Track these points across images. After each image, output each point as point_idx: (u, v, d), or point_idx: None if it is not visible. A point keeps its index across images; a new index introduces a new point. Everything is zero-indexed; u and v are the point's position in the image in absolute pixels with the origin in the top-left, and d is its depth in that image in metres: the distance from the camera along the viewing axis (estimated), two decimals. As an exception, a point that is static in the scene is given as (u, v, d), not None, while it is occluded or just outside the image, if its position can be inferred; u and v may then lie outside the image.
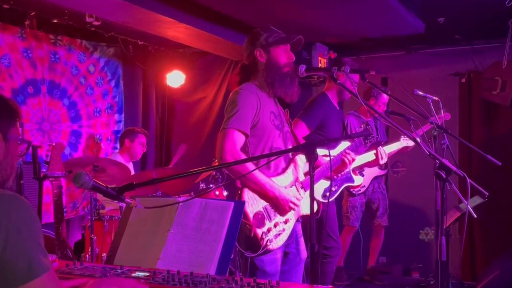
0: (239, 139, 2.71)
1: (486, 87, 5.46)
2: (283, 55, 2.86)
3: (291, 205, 2.77)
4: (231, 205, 2.26)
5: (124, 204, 2.07)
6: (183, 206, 2.29)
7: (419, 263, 5.79)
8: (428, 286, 5.15)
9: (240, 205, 2.29)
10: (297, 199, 2.80)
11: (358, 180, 3.95)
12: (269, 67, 2.84)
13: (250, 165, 2.69)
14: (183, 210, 2.29)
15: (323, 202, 3.10)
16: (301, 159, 2.95)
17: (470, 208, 2.58)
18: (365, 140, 3.24)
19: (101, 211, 4.43)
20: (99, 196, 4.60)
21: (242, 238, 2.67)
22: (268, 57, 2.85)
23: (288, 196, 2.76)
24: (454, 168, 2.19)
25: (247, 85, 2.84)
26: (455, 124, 5.70)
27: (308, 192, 2.91)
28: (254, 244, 2.67)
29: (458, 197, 3.50)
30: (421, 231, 5.55)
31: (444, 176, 2.19)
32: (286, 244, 2.86)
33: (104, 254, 4.10)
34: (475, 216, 2.95)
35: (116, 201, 4.25)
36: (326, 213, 3.52)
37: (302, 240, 2.97)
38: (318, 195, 3.00)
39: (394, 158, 5.86)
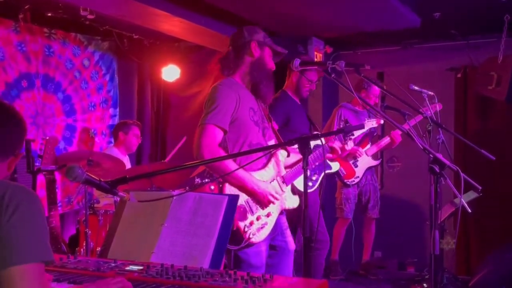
0: (218, 134, 2.71)
1: (481, 82, 5.46)
2: (270, 60, 2.94)
3: (270, 198, 2.77)
4: (225, 199, 2.27)
5: (118, 198, 2.08)
6: (177, 200, 2.29)
7: (414, 258, 5.81)
8: (423, 280, 5.16)
9: (234, 199, 2.29)
10: (277, 193, 2.81)
11: (335, 166, 3.98)
12: (258, 64, 2.89)
13: (230, 162, 2.69)
14: (177, 204, 2.29)
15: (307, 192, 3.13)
16: (281, 154, 2.95)
17: (464, 202, 2.59)
18: (345, 137, 3.27)
19: (96, 205, 4.43)
20: (94, 191, 4.60)
21: None
22: (261, 53, 2.90)
23: (267, 190, 2.76)
24: (447, 162, 2.20)
25: (227, 80, 2.85)
26: (450, 119, 5.72)
27: (289, 186, 2.94)
28: (237, 237, 2.67)
29: (453, 192, 3.50)
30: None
31: (437, 170, 2.20)
32: (272, 237, 2.87)
33: (98, 248, 4.10)
34: (469, 210, 2.96)
35: (111, 195, 4.25)
36: (309, 203, 3.56)
37: (288, 232, 2.98)
38: (300, 185, 3.02)
39: (388, 152, 5.89)
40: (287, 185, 2.93)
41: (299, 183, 3.01)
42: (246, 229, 2.68)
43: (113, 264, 2.06)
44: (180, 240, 2.20)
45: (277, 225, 2.88)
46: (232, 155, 2.65)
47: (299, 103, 4.42)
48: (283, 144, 2.76)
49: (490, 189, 4.82)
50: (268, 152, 2.84)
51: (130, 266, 2.01)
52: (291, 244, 2.98)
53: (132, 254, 2.20)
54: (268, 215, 2.80)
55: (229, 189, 2.73)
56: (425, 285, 5.03)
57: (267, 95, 2.92)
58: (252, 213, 2.74)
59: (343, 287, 5.36)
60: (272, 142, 2.96)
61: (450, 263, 5.48)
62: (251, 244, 2.71)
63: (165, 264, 1.95)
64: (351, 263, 5.65)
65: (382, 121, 4.65)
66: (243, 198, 2.73)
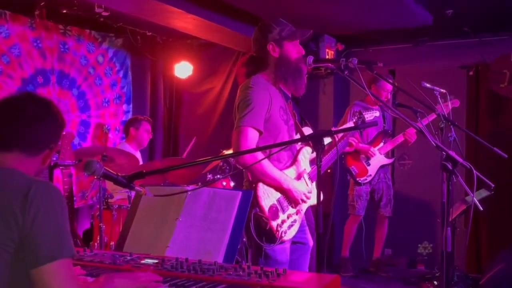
0: (255, 136, 2.70)
1: (493, 80, 5.44)
2: (294, 49, 2.86)
3: (303, 197, 2.81)
4: (238, 194, 2.30)
5: (133, 194, 2.12)
6: (192, 195, 2.32)
7: (424, 256, 5.81)
8: (433, 278, 5.15)
9: (247, 195, 2.32)
10: (309, 192, 2.85)
11: None
12: (281, 62, 2.83)
13: (260, 156, 2.68)
14: (192, 199, 2.32)
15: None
16: (307, 150, 2.97)
17: (475, 200, 2.60)
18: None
19: (109, 200, 4.48)
20: (108, 186, 4.66)
21: (259, 230, 2.69)
22: (281, 51, 2.83)
23: (301, 189, 2.80)
24: (460, 159, 2.20)
25: (258, 80, 2.81)
26: (462, 117, 5.69)
27: (314, 183, 2.94)
28: (270, 236, 2.70)
29: (464, 190, 3.50)
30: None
31: (450, 167, 2.21)
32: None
33: (112, 243, 4.15)
34: (481, 208, 2.96)
35: (125, 191, 4.28)
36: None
37: (307, 229, 3.01)
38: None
39: (400, 150, 5.88)
40: (312, 182, 2.94)
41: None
42: (278, 228, 2.70)
43: (128, 258, 2.10)
44: (194, 234, 2.23)
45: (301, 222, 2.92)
46: (247, 151, 2.65)
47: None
48: (296, 140, 2.78)
49: (502, 187, 4.81)
50: (283, 148, 2.83)
51: (146, 260, 2.05)
52: (310, 240, 3.01)
53: (147, 248, 2.23)
54: (297, 212, 2.84)
55: (262, 189, 2.72)
56: (435, 282, 5.03)
57: (298, 88, 2.87)
58: (283, 211, 2.76)
59: (353, 284, 5.37)
60: None
61: (461, 261, 5.47)
62: (281, 242, 2.74)
63: (180, 258, 1.99)
64: (361, 261, 5.66)
65: (377, 113, 4.65)
66: (274, 197, 2.75)
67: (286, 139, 2.83)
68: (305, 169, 2.94)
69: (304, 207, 2.89)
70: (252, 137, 2.68)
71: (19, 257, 1.57)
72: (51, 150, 1.81)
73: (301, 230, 2.94)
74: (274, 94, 2.81)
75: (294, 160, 2.91)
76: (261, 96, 2.73)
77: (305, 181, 2.90)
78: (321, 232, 2.11)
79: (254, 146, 2.68)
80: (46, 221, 1.57)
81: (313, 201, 2.94)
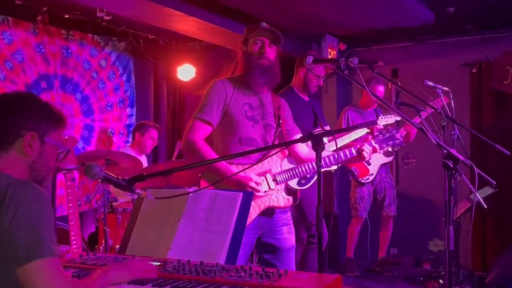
0: (202, 128, 2.88)
1: (497, 77, 5.43)
2: (255, 48, 2.96)
3: (252, 184, 2.80)
4: (239, 195, 2.30)
5: (136, 196, 2.13)
6: (193, 197, 2.33)
7: (430, 254, 5.80)
8: (439, 277, 5.13)
9: (248, 195, 2.32)
10: (257, 183, 2.83)
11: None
12: (243, 60, 3.01)
13: (214, 155, 2.84)
14: (193, 201, 2.33)
15: (299, 189, 3.11)
16: (277, 154, 2.98)
17: (479, 197, 2.58)
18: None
19: (114, 203, 4.49)
20: (112, 189, 4.67)
21: None
22: (244, 51, 3.01)
23: (248, 176, 2.81)
24: (461, 157, 2.19)
25: (226, 79, 3.01)
26: (465, 115, 5.68)
27: (280, 185, 2.95)
28: None
29: (469, 188, 3.48)
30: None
31: (451, 165, 2.20)
32: (262, 233, 2.92)
33: (117, 246, 4.16)
34: (485, 206, 2.94)
35: (129, 194, 4.28)
36: (304, 201, 3.59)
37: (284, 229, 2.99)
38: (293, 183, 3.03)
39: (404, 149, 5.87)
40: (277, 184, 2.94)
41: (292, 182, 3.02)
42: None
43: (131, 260, 2.11)
44: (196, 236, 2.24)
45: (264, 222, 2.91)
46: (241, 153, 2.67)
47: (307, 99, 4.36)
48: (295, 141, 2.77)
49: (508, 184, 4.80)
50: (285, 147, 2.85)
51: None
52: (288, 241, 2.98)
53: (150, 251, 2.24)
54: None
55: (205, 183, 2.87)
56: (441, 281, 5.01)
57: (257, 83, 2.96)
58: None
59: (358, 283, 5.37)
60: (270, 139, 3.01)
61: (466, 259, 5.45)
62: None
63: (182, 260, 2.00)
64: (367, 261, 5.65)
65: (398, 118, 4.64)
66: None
67: (252, 134, 2.92)
68: (270, 169, 2.95)
69: (255, 205, 2.85)
70: (198, 129, 2.88)
71: (2, 258, 1.58)
72: (31, 137, 1.75)
73: (272, 230, 2.95)
74: (240, 90, 2.94)
75: (261, 158, 2.92)
76: (217, 91, 2.91)
77: (266, 181, 2.91)
78: (321, 232, 2.11)
79: (199, 137, 2.87)
80: (24, 221, 1.58)
81: (277, 202, 2.93)
